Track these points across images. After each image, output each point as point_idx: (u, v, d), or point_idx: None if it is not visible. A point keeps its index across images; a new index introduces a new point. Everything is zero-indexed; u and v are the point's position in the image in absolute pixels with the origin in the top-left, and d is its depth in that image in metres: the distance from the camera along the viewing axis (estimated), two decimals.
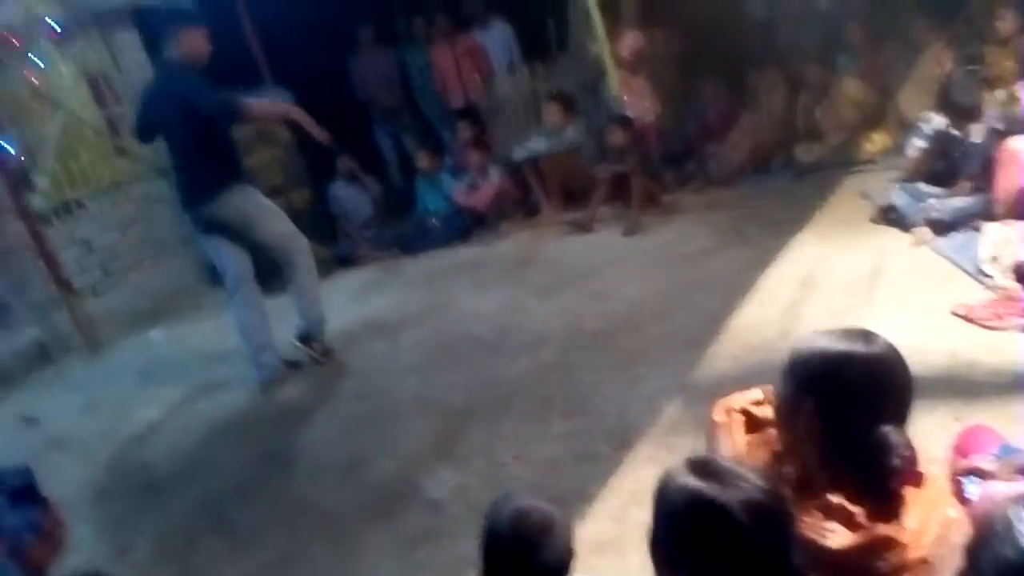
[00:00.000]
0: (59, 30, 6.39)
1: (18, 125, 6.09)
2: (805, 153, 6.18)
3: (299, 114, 4.54)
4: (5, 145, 5.94)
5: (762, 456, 1.75)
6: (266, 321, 4.65)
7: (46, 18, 6.13)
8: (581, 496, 2.90)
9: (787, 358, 1.63)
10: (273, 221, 4.54)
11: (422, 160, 7.07)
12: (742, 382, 3.29)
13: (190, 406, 4.70)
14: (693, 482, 1.32)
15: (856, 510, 1.49)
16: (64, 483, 4.06)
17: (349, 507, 3.30)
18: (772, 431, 1.78)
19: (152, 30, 6.89)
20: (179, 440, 4.32)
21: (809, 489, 1.60)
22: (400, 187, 8.06)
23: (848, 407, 1.54)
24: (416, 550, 2.92)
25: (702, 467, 1.34)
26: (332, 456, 3.74)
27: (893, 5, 6.36)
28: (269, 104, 4.86)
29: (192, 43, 4.26)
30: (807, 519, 1.49)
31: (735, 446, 1.86)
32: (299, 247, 4.63)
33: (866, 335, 1.58)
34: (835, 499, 1.51)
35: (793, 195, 5.66)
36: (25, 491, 2.03)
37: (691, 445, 2.99)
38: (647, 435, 3.20)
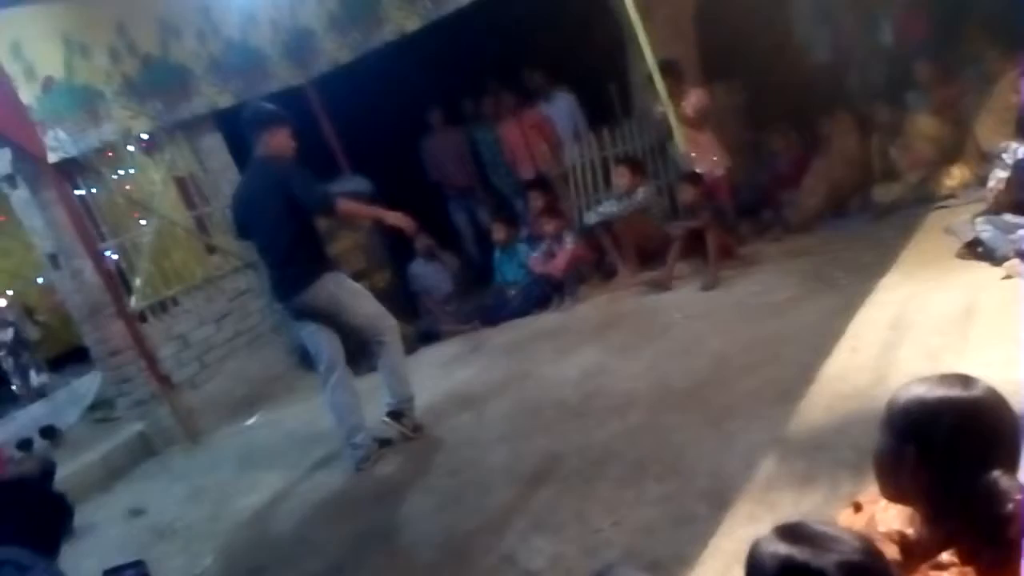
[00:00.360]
0: (148, 139, 6.80)
1: (116, 231, 6.45)
2: (883, 193, 6.06)
3: (386, 216, 4.74)
4: (105, 251, 6.30)
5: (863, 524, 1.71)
6: (358, 402, 4.75)
7: (137, 131, 6.52)
8: (680, 560, 2.84)
9: (884, 409, 1.60)
10: (363, 304, 4.69)
11: (498, 232, 7.19)
12: (838, 432, 3.26)
13: (289, 489, 4.80)
14: (784, 548, 1.29)
15: (967, 569, 1.44)
16: (172, 572, 4.19)
17: None
18: (874, 511, 1.73)
19: (237, 130, 7.29)
20: (281, 523, 4.41)
21: (919, 550, 1.55)
22: (477, 261, 8.20)
23: (951, 454, 1.49)
24: None
25: (791, 532, 1.32)
26: (428, 531, 3.75)
27: (961, 37, 6.27)
28: (361, 207, 5.00)
29: (280, 141, 4.50)
30: None
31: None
32: (388, 326, 4.75)
33: (964, 379, 1.54)
34: (947, 558, 1.47)
35: (875, 237, 5.55)
36: None
37: (790, 500, 2.94)
38: (744, 493, 3.12)
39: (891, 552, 1.63)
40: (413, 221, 4.70)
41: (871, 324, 4.18)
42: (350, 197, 6.46)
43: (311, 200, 4.38)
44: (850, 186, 6.35)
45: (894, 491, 1.62)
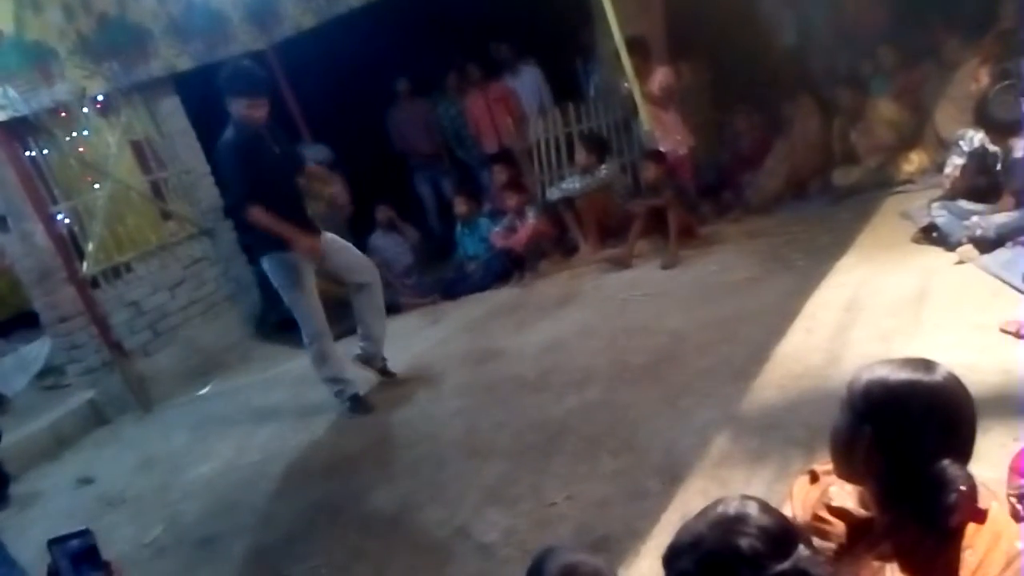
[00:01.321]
0: (103, 101, 6.63)
1: (68, 194, 6.29)
2: (843, 177, 6.14)
3: (297, 242, 4.50)
4: (56, 214, 6.14)
5: (812, 504, 1.72)
6: (342, 358, 4.92)
7: (92, 92, 6.35)
8: (632, 534, 2.86)
9: (845, 389, 1.60)
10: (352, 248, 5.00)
11: (459, 206, 7.15)
12: (790, 411, 3.30)
13: (241, 460, 4.75)
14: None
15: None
16: (122, 541, 4.13)
17: (400, 554, 3.30)
18: (829, 483, 1.73)
19: (195, 93, 7.14)
20: (231, 494, 4.36)
21: (865, 531, 1.57)
22: (439, 233, 8.15)
23: (907, 438, 1.49)
24: None
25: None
26: (381, 504, 3.74)
27: (924, 24, 6.33)
28: (272, 222, 4.50)
29: (262, 113, 4.40)
30: (865, 574, 1.46)
31: (793, 508, 1.80)
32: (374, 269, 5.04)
33: (927, 364, 1.54)
34: (889, 549, 1.48)
35: (833, 219, 5.62)
36: (87, 554, 2.05)
37: (742, 477, 2.97)
38: (697, 469, 3.16)
39: (839, 530, 1.65)
40: (316, 250, 4.56)
41: (826, 305, 4.24)
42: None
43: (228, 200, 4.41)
44: (810, 169, 6.42)
45: (847, 470, 1.63)
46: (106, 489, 4.96)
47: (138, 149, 6.97)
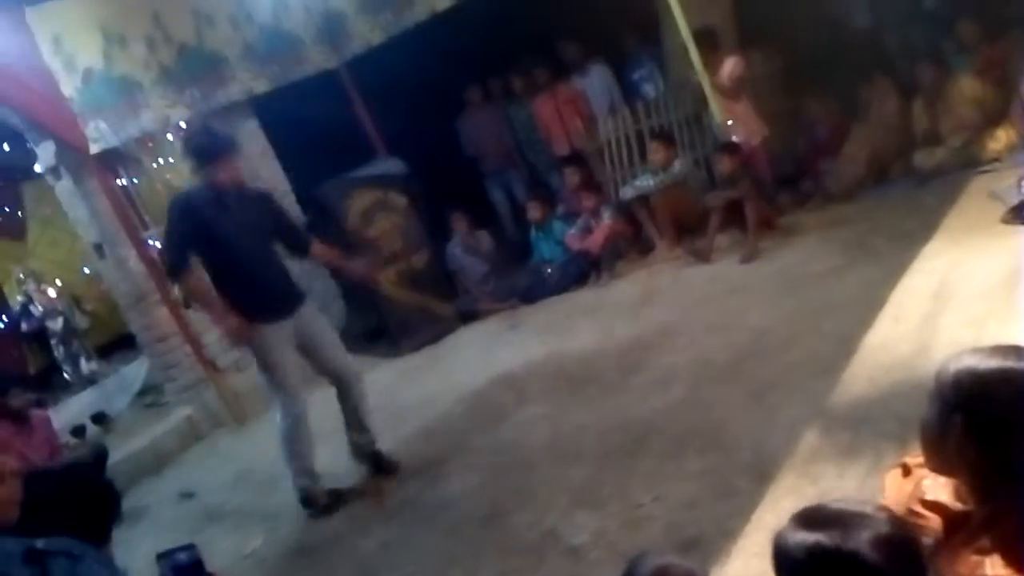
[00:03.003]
0: (186, 127, 6.88)
1: (157, 219, 6.55)
2: (926, 159, 5.93)
3: (225, 327, 4.29)
4: (148, 239, 6.40)
5: (906, 498, 1.68)
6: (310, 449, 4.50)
7: (175, 119, 6.60)
8: (722, 534, 2.84)
9: (934, 379, 1.56)
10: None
11: (533, 211, 7.18)
12: (881, 403, 3.23)
13: (334, 469, 4.86)
14: (810, 536, 1.26)
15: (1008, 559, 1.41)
16: (223, 553, 4.29)
17: (491, 558, 3.34)
18: (922, 476, 1.70)
19: (273, 116, 7.36)
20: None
21: (963, 525, 1.53)
22: (515, 238, 8.19)
23: (1001, 428, 1.44)
24: None
25: (813, 518, 1.29)
26: (471, 509, 3.79)
27: None
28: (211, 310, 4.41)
29: (237, 173, 4.19)
30: (963, 569, 1.43)
31: (886, 502, 1.76)
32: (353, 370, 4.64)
33: (1018, 350, 1.49)
34: (989, 543, 1.44)
35: (917, 203, 5.45)
36: (193, 567, 2.14)
37: (833, 473, 2.92)
38: (786, 466, 3.11)
39: (934, 524, 1.61)
40: (240, 335, 4.21)
41: (914, 293, 4.12)
42: (383, 180, 6.52)
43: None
44: (891, 152, 6.23)
45: (940, 463, 1.59)
46: (206, 502, 5.16)
47: None
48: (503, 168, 8.45)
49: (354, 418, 4.50)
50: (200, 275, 4.18)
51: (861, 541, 1.22)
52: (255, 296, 4.18)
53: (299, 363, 4.38)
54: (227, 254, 4.13)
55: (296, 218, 7.32)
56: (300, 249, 4.50)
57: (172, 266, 4.14)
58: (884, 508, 1.30)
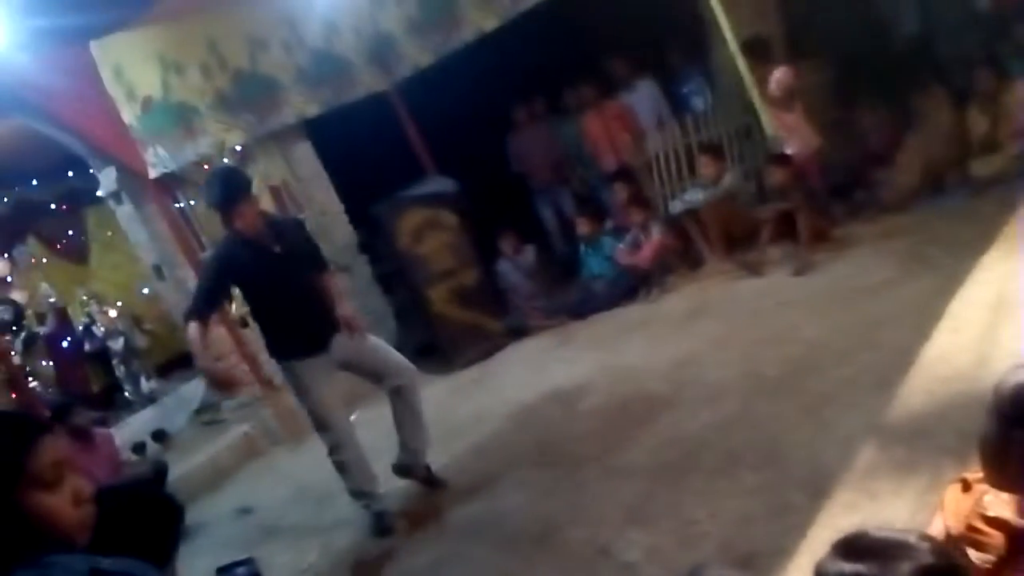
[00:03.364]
0: (241, 150, 7.06)
1: (214, 241, 6.71)
2: (982, 167, 5.81)
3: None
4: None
5: (966, 514, 1.65)
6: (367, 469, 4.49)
7: (230, 143, 6.78)
8: (778, 551, 2.81)
9: (991, 393, 1.54)
10: None
11: (582, 226, 7.19)
12: (939, 417, 3.17)
13: (387, 486, 4.90)
14: (850, 567, 1.24)
15: None
16: (280, 568, 4.36)
17: (544, 575, 3.34)
18: (982, 491, 1.66)
19: (326, 138, 7.50)
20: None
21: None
22: (564, 254, 8.21)
23: None
24: None
25: (854, 548, 1.26)
26: (523, 525, 3.80)
27: None
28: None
29: (242, 219, 4.06)
30: None
31: (945, 519, 1.73)
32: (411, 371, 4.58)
33: None
34: None
35: (974, 213, 5.33)
36: None
37: (890, 488, 2.87)
38: (843, 481, 3.06)
39: (997, 541, 1.58)
40: (229, 384, 4.34)
41: (972, 304, 4.04)
42: (434, 198, 6.57)
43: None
44: (946, 161, 6.11)
45: (1000, 479, 1.57)
46: (264, 518, 5.24)
47: (276, 194, 7.37)
48: (551, 184, 8.48)
49: (408, 424, 4.42)
50: (204, 329, 4.03)
51: (903, 573, 1.18)
52: (289, 335, 4.19)
53: (339, 393, 4.41)
54: (262, 297, 4.18)
55: (350, 237, 7.47)
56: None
57: (190, 313, 4.00)
58: (927, 537, 1.26)
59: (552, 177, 8.46)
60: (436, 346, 6.91)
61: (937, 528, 1.75)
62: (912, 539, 1.25)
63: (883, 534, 1.27)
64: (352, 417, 5.84)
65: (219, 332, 6.35)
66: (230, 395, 4.25)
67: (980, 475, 1.67)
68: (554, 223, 8.55)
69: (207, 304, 4.07)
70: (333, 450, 4.31)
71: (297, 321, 4.16)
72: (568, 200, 8.44)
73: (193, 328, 3.92)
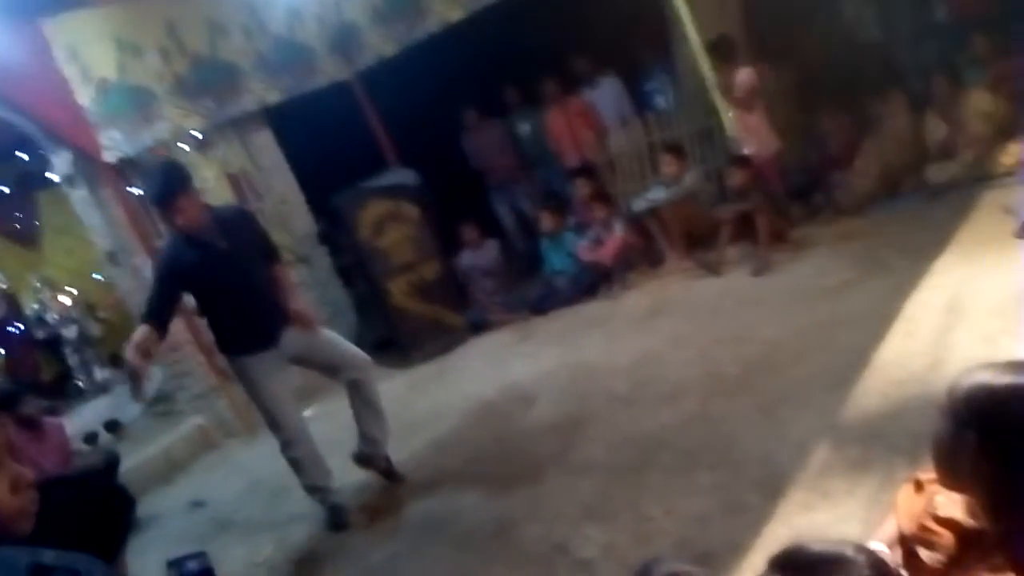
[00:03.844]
0: (200, 137, 6.94)
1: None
2: (937, 172, 5.92)
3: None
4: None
5: (919, 514, 1.67)
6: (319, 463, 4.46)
7: (189, 129, 6.66)
8: (733, 549, 2.83)
9: (946, 395, 1.56)
10: None
11: (545, 221, 7.19)
12: (893, 418, 3.22)
13: (344, 480, 4.86)
14: None
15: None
16: (234, 561, 4.31)
17: (501, 572, 3.34)
18: (934, 492, 1.69)
19: (286, 127, 7.40)
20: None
21: (977, 542, 1.53)
22: (521, 250, 8.19)
23: (1017, 445, 1.44)
24: None
25: (790, 562, 1.27)
26: (480, 521, 3.79)
27: (1017, 12, 6.09)
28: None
29: (183, 213, 3.89)
30: None
31: (898, 518, 1.75)
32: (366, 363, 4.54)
33: None
34: (1003, 561, 1.44)
35: (929, 217, 5.43)
36: (203, 574, 2.16)
37: (844, 488, 2.91)
38: (798, 481, 3.10)
39: (947, 541, 1.61)
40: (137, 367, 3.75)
41: (926, 307, 4.11)
42: (395, 190, 6.53)
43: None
44: (903, 166, 6.22)
45: (952, 480, 1.59)
46: (217, 511, 5.17)
47: (235, 182, 7.26)
48: (508, 182, 8.41)
49: (366, 415, 4.38)
50: (157, 336, 3.84)
51: None
52: (237, 331, 4.12)
53: (290, 388, 4.36)
54: (208, 294, 4.08)
55: (310, 227, 7.39)
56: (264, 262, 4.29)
57: (145, 317, 3.85)
58: (863, 549, 1.27)
59: (508, 174, 8.40)
60: (395, 340, 6.87)
61: (889, 528, 1.78)
62: (849, 552, 1.25)
63: (820, 547, 1.28)
64: (306, 413, 5.81)
65: (175, 322, 6.24)
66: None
67: (933, 476, 1.69)
68: (510, 220, 8.47)
69: (158, 313, 3.90)
70: (286, 447, 4.26)
71: (245, 317, 4.07)
72: (524, 198, 8.39)
73: (139, 331, 3.74)
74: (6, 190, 10.09)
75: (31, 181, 9.68)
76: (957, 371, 1.60)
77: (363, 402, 4.38)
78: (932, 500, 1.68)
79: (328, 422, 6.07)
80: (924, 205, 5.76)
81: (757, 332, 4.68)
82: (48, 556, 1.36)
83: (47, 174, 6.91)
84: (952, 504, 1.63)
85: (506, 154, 8.32)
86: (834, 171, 6.47)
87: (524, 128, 8.22)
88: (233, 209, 4.81)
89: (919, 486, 1.75)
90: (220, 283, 4.00)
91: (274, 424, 4.22)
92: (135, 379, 3.69)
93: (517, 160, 8.39)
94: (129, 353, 3.65)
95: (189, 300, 4.21)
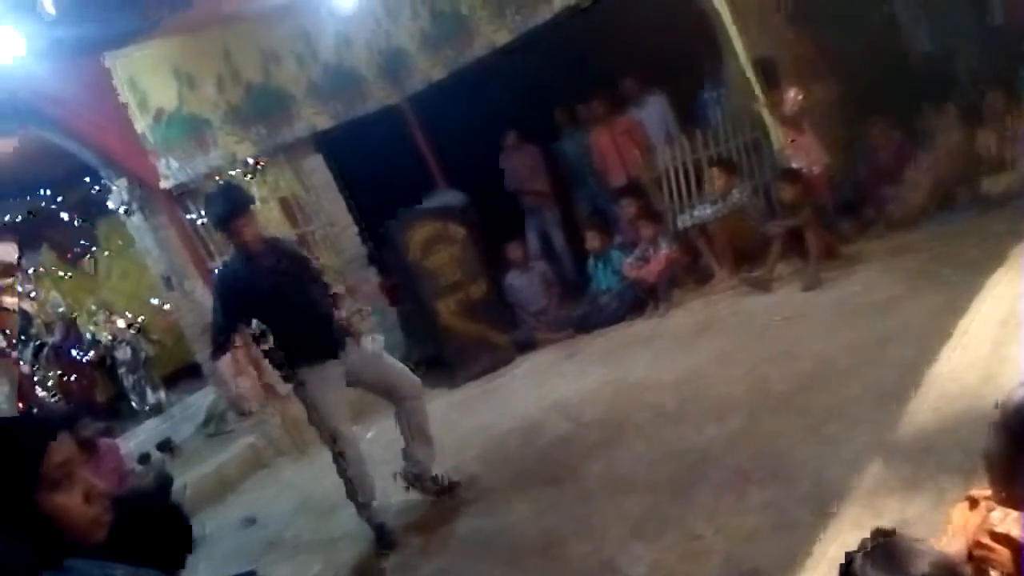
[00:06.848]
0: (252, 163, 7.10)
1: (224, 252, 6.74)
2: (992, 185, 5.80)
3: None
4: (214, 271, 6.59)
5: (974, 531, 1.65)
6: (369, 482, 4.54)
7: (242, 155, 6.82)
8: (783, 567, 2.80)
9: (999, 410, 1.53)
10: None
11: (592, 239, 7.19)
12: (946, 433, 3.16)
13: (394, 498, 4.89)
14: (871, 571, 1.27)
15: None
16: None
17: None
18: (989, 508, 1.66)
19: (337, 151, 7.54)
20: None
21: None
22: (569, 270, 8.15)
23: None
24: None
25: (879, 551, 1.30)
26: (528, 539, 3.79)
27: None
28: None
29: (241, 234, 4.12)
30: None
31: (953, 535, 1.73)
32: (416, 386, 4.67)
33: None
34: None
35: (983, 230, 5.31)
36: None
37: (896, 505, 2.86)
38: (849, 498, 3.05)
39: (1003, 557, 1.58)
40: None
41: (980, 322, 4.02)
42: (443, 212, 6.61)
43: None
44: (956, 178, 6.10)
45: (1007, 495, 1.56)
46: (267, 529, 5.24)
47: (286, 206, 7.41)
48: (538, 207, 8.37)
49: (416, 439, 4.48)
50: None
51: None
52: (298, 342, 4.22)
53: (345, 404, 4.43)
54: (269, 308, 4.19)
55: (358, 249, 7.50)
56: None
57: (212, 355, 4.14)
58: (944, 558, 1.29)
59: (538, 201, 8.37)
60: (443, 359, 6.91)
61: (957, 544, 1.75)
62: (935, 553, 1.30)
63: (907, 545, 1.33)
64: (368, 435, 5.88)
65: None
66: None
67: (987, 492, 1.66)
68: (535, 246, 8.28)
69: (223, 339, 4.19)
70: (339, 461, 4.33)
71: (306, 327, 4.21)
72: (553, 225, 8.34)
73: (221, 363, 3.88)
74: (65, 217, 10.40)
75: (91, 208, 9.98)
76: (1011, 385, 1.57)
77: (412, 423, 4.48)
78: (988, 517, 1.65)
79: (379, 441, 6.13)
80: (977, 218, 5.64)
81: (807, 348, 4.62)
82: (119, 571, 1.40)
83: (106, 201, 7.10)
84: (1008, 520, 1.60)
85: (538, 178, 8.29)
86: (884, 184, 6.38)
87: (571, 148, 8.22)
88: (291, 243, 5.00)
89: (974, 503, 1.72)
90: (280, 295, 4.14)
91: (330, 437, 4.30)
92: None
93: (550, 186, 8.36)
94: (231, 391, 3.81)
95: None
